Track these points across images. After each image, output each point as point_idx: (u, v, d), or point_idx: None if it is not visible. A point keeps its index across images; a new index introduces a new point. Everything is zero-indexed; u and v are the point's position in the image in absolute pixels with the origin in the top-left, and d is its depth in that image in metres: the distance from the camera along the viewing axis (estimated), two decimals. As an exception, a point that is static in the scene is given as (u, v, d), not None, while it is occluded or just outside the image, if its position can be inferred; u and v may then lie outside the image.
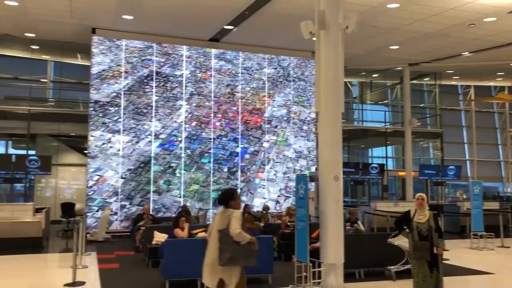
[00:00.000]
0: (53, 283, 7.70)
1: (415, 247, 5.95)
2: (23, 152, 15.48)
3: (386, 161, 20.23)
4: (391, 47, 14.69)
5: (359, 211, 12.62)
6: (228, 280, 4.62)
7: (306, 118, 15.23)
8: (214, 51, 14.54)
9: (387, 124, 21.61)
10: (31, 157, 12.98)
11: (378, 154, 21.89)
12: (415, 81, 20.47)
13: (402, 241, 7.41)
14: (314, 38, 7.02)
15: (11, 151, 16.45)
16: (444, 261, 6.61)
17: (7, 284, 7.50)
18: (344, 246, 6.56)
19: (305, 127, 15.14)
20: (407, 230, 6.13)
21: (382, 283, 7.62)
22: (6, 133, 16.59)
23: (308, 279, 6.72)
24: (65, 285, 7.09)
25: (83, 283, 7.24)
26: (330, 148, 6.73)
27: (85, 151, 16.09)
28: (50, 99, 18.06)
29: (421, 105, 23.20)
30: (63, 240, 12.55)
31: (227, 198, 4.94)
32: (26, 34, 14.33)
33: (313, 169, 14.65)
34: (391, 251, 7.82)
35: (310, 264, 6.74)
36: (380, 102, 23.37)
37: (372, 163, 17.68)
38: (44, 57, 17.41)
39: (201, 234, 8.58)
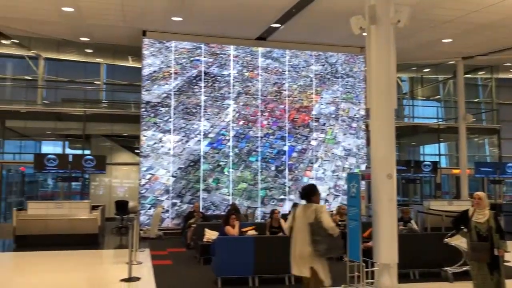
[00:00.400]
0: (110, 279, 7.98)
1: (474, 248, 5.70)
2: (79, 152, 16.15)
3: (439, 158, 19.53)
4: (443, 41, 14.15)
5: (411, 210, 12.26)
6: (318, 269, 5.00)
7: (355, 115, 14.96)
8: (261, 49, 14.57)
9: (439, 120, 20.86)
10: (87, 157, 13.50)
11: (430, 151, 21.17)
12: (469, 75, 19.63)
13: (459, 241, 7.13)
14: (365, 34, 6.87)
15: (68, 151, 17.20)
16: (505, 263, 6.30)
17: (66, 279, 7.85)
18: (398, 245, 6.39)
19: (354, 125, 14.88)
20: (465, 230, 5.89)
21: (438, 285, 7.37)
22: (63, 134, 17.36)
23: (361, 279, 6.60)
24: (121, 280, 7.33)
25: (138, 278, 7.45)
26: (382, 146, 6.57)
27: (136, 151, 16.60)
28: (103, 101, 18.75)
29: (476, 100, 22.23)
30: (117, 237, 12.98)
31: (309, 193, 5.27)
32: (81, 39, 14.93)
33: (363, 167, 14.39)
34: (448, 252, 7.54)
35: (363, 264, 6.62)
36: (431, 98, 22.60)
37: (425, 161, 17.10)
38: (98, 60, 18.08)
39: (251, 232, 8.66)
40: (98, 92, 18.75)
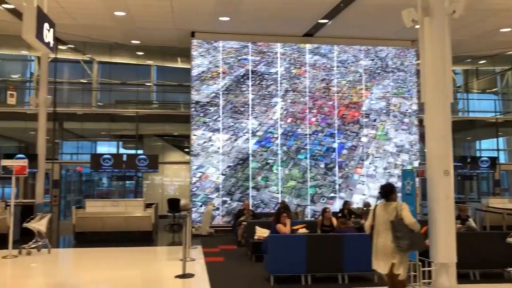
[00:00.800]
0: (165, 275, 8.18)
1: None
2: (133, 151, 16.68)
3: (498, 154, 18.62)
4: (501, 30, 13.46)
5: (469, 208, 11.77)
6: (399, 263, 5.23)
7: (407, 110, 14.53)
8: (308, 46, 14.45)
9: (497, 114, 19.88)
10: (140, 156, 13.91)
11: (487, 146, 20.21)
12: (529, 66, 18.60)
13: (524, 241, 6.77)
14: (417, 26, 6.65)
15: (121, 151, 17.81)
16: None
17: (123, 274, 8.12)
18: (456, 244, 6.14)
19: (406, 120, 14.46)
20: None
21: (501, 286, 7.03)
22: (117, 135, 17.99)
23: (418, 278, 6.41)
24: (176, 276, 7.50)
25: (192, 275, 7.60)
26: (438, 141, 6.33)
27: (186, 150, 16.94)
28: (154, 102, 19.27)
29: (537, 92, 21.01)
30: (169, 234, 13.30)
31: (388, 192, 5.52)
32: (132, 42, 15.41)
33: (416, 163, 13.96)
34: (511, 252, 7.17)
35: (420, 263, 6.42)
36: (488, 91, 21.56)
37: (482, 157, 16.35)
38: (148, 62, 18.59)
39: (302, 230, 8.62)
40: (149, 93, 19.28)
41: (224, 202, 13.44)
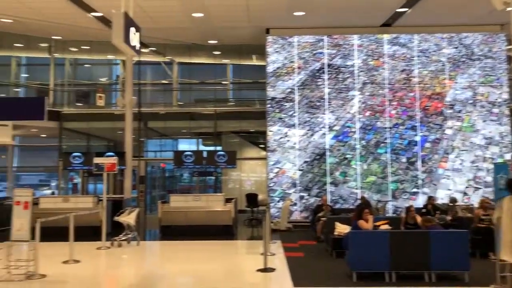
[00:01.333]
0: (246, 268, 8.34)
1: None
2: (211, 148, 17.18)
3: None
4: None
5: None
6: None
7: (496, 99, 13.56)
8: (386, 36, 13.97)
9: None
10: (219, 153, 14.30)
11: None
12: None
13: None
14: (510, 8, 6.17)
15: (201, 147, 18.42)
16: None
17: (206, 267, 8.39)
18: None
19: (495, 110, 13.49)
20: None
21: None
22: (196, 132, 18.63)
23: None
24: (258, 270, 7.61)
25: (273, 269, 7.67)
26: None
27: (261, 146, 17.12)
28: (230, 99, 19.69)
29: None
30: (248, 228, 13.54)
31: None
32: (209, 42, 15.86)
33: (508, 156, 12.99)
34: None
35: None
36: None
37: None
38: (224, 61, 19.02)
39: (385, 227, 8.36)
40: (226, 91, 19.73)
41: (301, 197, 13.43)
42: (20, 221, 7.42)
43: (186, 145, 19.71)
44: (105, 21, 12.77)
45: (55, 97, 18.22)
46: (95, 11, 12.40)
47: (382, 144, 13.55)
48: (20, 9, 12.38)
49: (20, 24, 13.80)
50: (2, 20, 13.45)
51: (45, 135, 18.86)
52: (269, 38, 14.05)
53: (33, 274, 7.16)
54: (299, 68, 13.98)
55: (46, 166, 21.99)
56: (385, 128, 13.61)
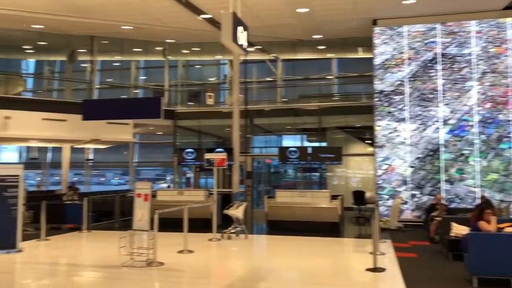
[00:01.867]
0: (354, 267, 8.13)
1: None
2: (316, 144, 17.05)
3: None
4: None
5: None
6: None
7: None
8: (509, 20, 12.66)
9: None
10: (324, 149, 14.13)
11: None
12: None
13: None
14: None
15: (305, 143, 18.38)
16: None
17: (313, 263, 8.33)
18: None
19: None
20: None
21: None
22: (300, 128, 18.64)
23: None
24: (367, 269, 7.37)
25: (383, 269, 7.37)
26: None
27: (367, 141, 16.57)
28: (335, 94, 19.36)
29: None
30: (355, 226, 13.19)
31: None
32: (313, 37, 15.73)
33: None
34: None
35: None
36: None
37: None
38: (329, 55, 18.75)
39: (509, 229, 7.59)
40: (330, 86, 19.46)
41: (413, 195, 12.75)
42: (141, 212, 8.04)
43: (290, 141, 19.83)
44: (214, 22, 13.31)
45: (170, 97, 19.48)
46: (204, 13, 12.98)
47: (506, 139, 12.33)
48: (138, 16, 13.42)
49: (139, 30, 14.96)
50: (123, 27, 14.71)
51: (161, 133, 20.30)
52: (377, 29, 13.53)
53: (152, 261, 7.71)
54: (409, 59, 13.26)
55: (162, 162, 23.71)
56: (509, 121, 12.36)
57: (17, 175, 9.06)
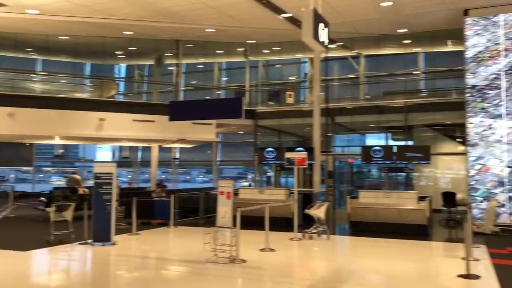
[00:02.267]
0: (444, 272, 7.65)
1: None
2: (402, 143, 16.34)
3: None
4: None
5: None
6: None
7: None
8: None
9: None
10: (411, 148, 13.48)
11: None
12: None
13: None
14: None
15: (390, 142, 17.69)
16: None
17: (399, 267, 7.99)
18: None
19: None
20: None
21: None
22: (385, 126, 17.97)
23: None
24: (459, 276, 6.91)
25: (477, 276, 6.86)
26: None
27: (459, 140, 15.53)
28: (422, 90, 18.43)
29: None
30: (445, 230, 12.45)
31: None
32: (398, 31, 15.09)
33: None
34: None
35: None
36: None
37: None
38: (415, 50, 17.88)
39: None
40: (417, 82, 18.55)
41: (510, 198, 11.74)
42: (224, 209, 8.23)
43: (374, 140, 19.20)
44: (294, 21, 13.26)
45: (250, 97, 19.77)
46: (285, 12, 12.97)
47: None
48: (221, 19, 13.75)
49: (222, 32, 15.35)
50: (207, 30, 15.17)
51: (242, 132, 20.67)
52: (468, 20, 12.65)
53: (235, 258, 7.85)
54: (506, 50, 12.23)
55: (243, 160, 24.16)
56: None
57: (111, 173, 9.70)
